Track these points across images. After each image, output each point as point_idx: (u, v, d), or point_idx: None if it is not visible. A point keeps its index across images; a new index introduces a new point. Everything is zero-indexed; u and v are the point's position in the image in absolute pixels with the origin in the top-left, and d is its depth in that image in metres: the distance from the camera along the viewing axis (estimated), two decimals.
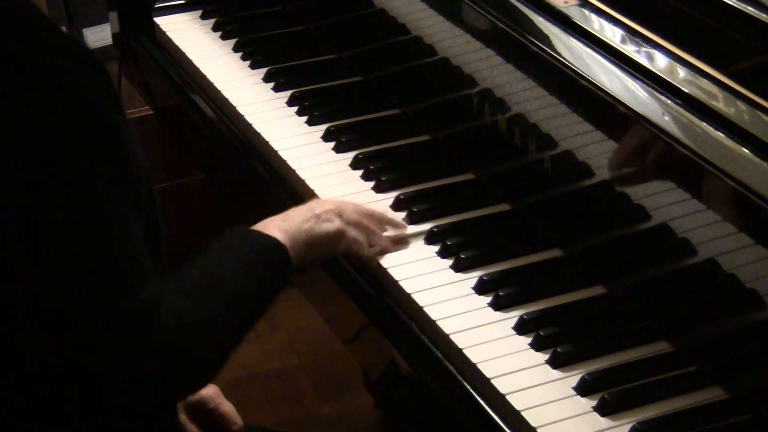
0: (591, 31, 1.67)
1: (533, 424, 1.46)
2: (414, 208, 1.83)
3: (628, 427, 1.45)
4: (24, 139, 1.27)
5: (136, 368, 1.35)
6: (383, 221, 1.78)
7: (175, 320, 1.36)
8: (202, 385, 1.44)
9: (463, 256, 1.72)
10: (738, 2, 1.57)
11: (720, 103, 1.49)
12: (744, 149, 1.43)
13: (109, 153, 1.31)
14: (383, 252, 1.74)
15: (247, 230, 1.62)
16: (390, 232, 1.77)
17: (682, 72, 1.56)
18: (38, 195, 1.28)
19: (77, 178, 1.29)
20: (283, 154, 2.00)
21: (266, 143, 2.04)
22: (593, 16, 1.70)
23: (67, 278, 1.30)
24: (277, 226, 1.63)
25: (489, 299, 1.66)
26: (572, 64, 1.64)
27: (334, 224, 1.69)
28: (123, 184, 1.33)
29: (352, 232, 1.71)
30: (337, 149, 2.01)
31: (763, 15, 1.55)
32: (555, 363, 1.54)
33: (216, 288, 1.46)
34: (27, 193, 1.28)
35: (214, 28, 2.41)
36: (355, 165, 1.97)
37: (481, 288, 1.67)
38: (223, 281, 1.47)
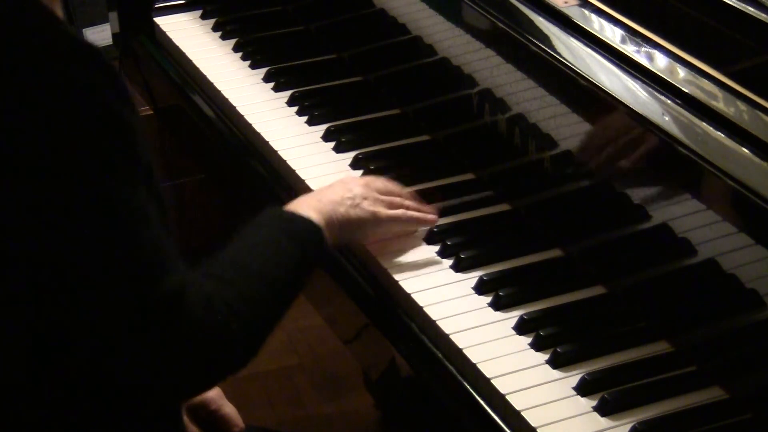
0: (591, 31, 1.67)
1: (533, 424, 1.46)
2: None
3: (628, 427, 1.45)
4: (32, 136, 1.27)
5: (169, 356, 1.33)
6: (411, 198, 1.79)
7: (206, 305, 1.35)
8: (240, 368, 1.42)
9: (463, 256, 1.72)
10: (738, 2, 1.57)
11: (720, 103, 1.49)
12: (744, 149, 1.42)
13: (121, 146, 1.31)
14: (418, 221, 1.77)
15: (280, 210, 1.61)
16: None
17: (682, 72, 1.56)
18: (53, 191, 1.27)
19: (91, 172, 1.28)
20: (283, 154, 2.00)
21: (266, 143, 2.04)
22: (593, 16, 1.70)
23: (89, 271, 1.29)
24: (311, 206, 1.62)
25: (489, 299, 1.65)
26: (572, 64, 1.64)
27: (368, 210, 1.70)
28: (137, 174, 1.33)
29: (386, 215, 1.72)
30: (337, 149, 2.01)
31: (763, 15, 1.55)
32: (555, 363, 1.54)
33: (248, 269, 1.44)
34: (40, 189, 1.27)
35: (214, 28, 2.41)
36: (355, 165, 1.96)
37: (481, 288, 1.67)
38: (255, 262, 1.46)
